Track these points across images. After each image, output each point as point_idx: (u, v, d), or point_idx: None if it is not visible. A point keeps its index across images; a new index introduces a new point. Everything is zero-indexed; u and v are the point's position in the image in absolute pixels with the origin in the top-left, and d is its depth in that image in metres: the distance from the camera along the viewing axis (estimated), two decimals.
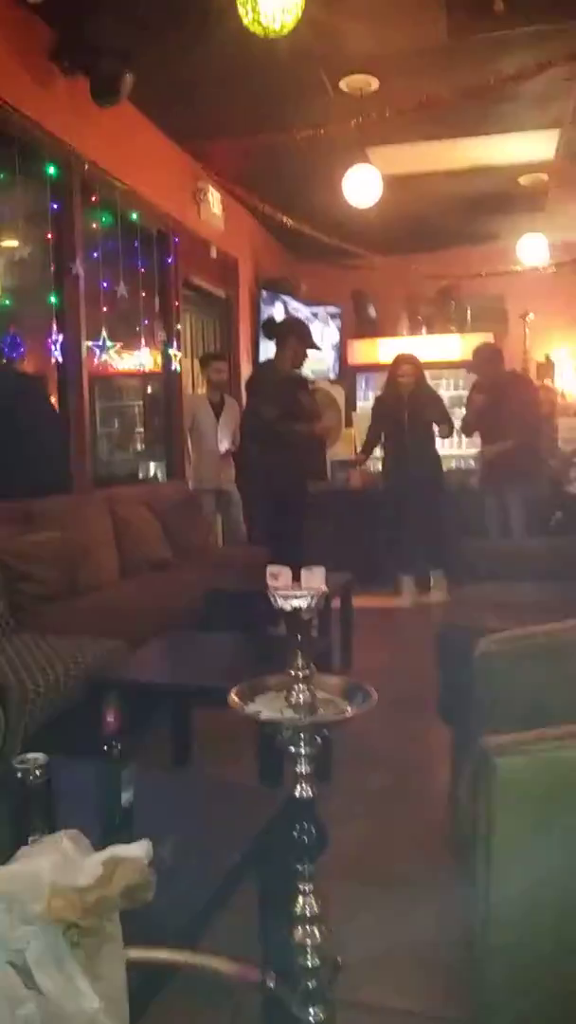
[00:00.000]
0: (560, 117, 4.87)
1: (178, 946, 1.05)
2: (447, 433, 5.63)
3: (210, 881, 1.27)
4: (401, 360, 5.48)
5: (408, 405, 5.39)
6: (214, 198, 5.69)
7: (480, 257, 7.17)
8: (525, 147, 5.35)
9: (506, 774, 1.31)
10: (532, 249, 6.33)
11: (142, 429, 5.80)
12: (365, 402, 7.71)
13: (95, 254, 4.42)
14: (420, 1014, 1.65)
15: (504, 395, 5.34)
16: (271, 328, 4.94)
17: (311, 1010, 1.19)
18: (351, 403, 7.63)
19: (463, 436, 5.97)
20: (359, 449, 6.02)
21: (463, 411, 5.89)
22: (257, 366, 5.79)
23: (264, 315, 6.79)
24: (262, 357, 6.65)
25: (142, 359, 5.09)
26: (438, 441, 5.75)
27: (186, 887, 1.22)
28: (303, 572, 1.21)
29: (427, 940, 1.90)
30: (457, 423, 5.74)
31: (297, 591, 1.18)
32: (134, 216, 4.76)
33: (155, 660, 2.85)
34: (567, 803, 1.32)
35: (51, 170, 4.03)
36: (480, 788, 1.33)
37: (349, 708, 1.21)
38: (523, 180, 5.91)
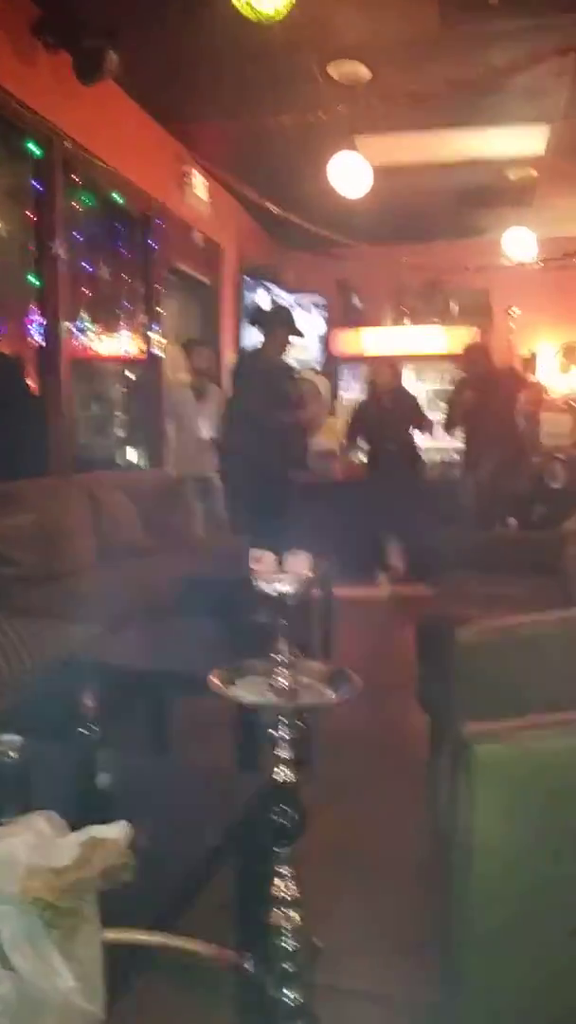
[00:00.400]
0: (551, 112, 4.87)
1: (156, 928, 1.04)
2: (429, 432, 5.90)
3: (188, 864, 1.26)
4: (379, 364, 5.86)
5: (389, 409, 5.65)
6: (199, 182, 5.64)
7: (466, 250, 7.17)
8: (515, 141, 5.35)
9: (484, 761, 1.31)
10: (518, 244, 6.34)
11: (122, 414, 5.75)
12: (349, 392, 7.72)
13: (77, 235, 4.36)
14: (398, 999, 1.65)
15: (493, 393, 5.47)
16: (258, 316, 4.91)
17: (288, 992, 1.18)
18: (335, 393, 7.62)
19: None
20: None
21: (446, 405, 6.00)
22: (242, 353, 5.77)
23: (248, 302, 6.76)
24: (244, 344, 6.63)
25: (123, 343, 5.03)
26: (419, 438, 5.92)
27: (164, 869, 1.21)
28: (287, 556, 1.20)
29: (406, 925, 1.91)
30: (438, 416, 5.87)
31: (281, 575, 1.17)
32: (117, 197, 4.70)
33: (133, 645, 2.82)
34: (544, 789, 1.33)
35: (33, 148, 3.97)
36: (459, 774, 1.34)
37: (332, 694, 1.21)
38: (511, 174, 5.91)
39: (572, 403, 7.23)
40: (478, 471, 5.56)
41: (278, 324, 4.71)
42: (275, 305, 6.45)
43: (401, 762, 2.92)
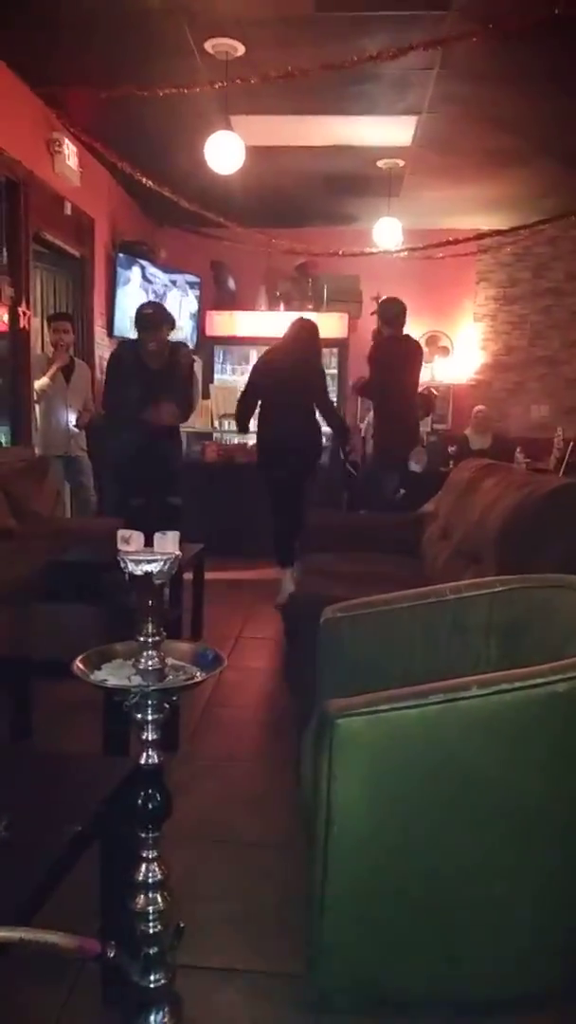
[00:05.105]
0: (418, 104, 5.00)
1: (14, 923, 1.01)
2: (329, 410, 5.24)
3: (48, 854, 1.23)
4: (295, 325, 4.98)
5: (289, 375, 4.85)
6: (70, 151, 5.40)
7: (338, 237, 7.26)
8: (384, 131, 5.45)
9: (345, 734, 1.36)
10: (387, 233, 6.49)
11: None
12: (222, 375, 7.69)
13: None
14: (260, 973, 1.68)
15: (407, 359, 5.32)
16: (138, 320, 4.59)
17: (152, 976, 1.18)
18: (208, 375, 7.56)
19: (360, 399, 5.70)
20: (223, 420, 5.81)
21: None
22: (121, 343, 5.42)
23: (121, 278, 6.58)
24: (116, 320, 6.44)
25: None
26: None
27: (23, 861, 1.18)
28: (156, 536, 1.19)
29: (272, 899, 1.94)
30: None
31: (149, 555, 1.16)
32: None
33: None
34: (399, 758, 1.39)
35: None
36: (322, 748, 1.37)
37: (199, 673, 1.21)
38: (381, 164, 6.03)
39: (434, 391, 7.53)
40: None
41: (152, 328, 4.44)
42: (158, 308, 5.94)
43: (268, 739, 2.96)
